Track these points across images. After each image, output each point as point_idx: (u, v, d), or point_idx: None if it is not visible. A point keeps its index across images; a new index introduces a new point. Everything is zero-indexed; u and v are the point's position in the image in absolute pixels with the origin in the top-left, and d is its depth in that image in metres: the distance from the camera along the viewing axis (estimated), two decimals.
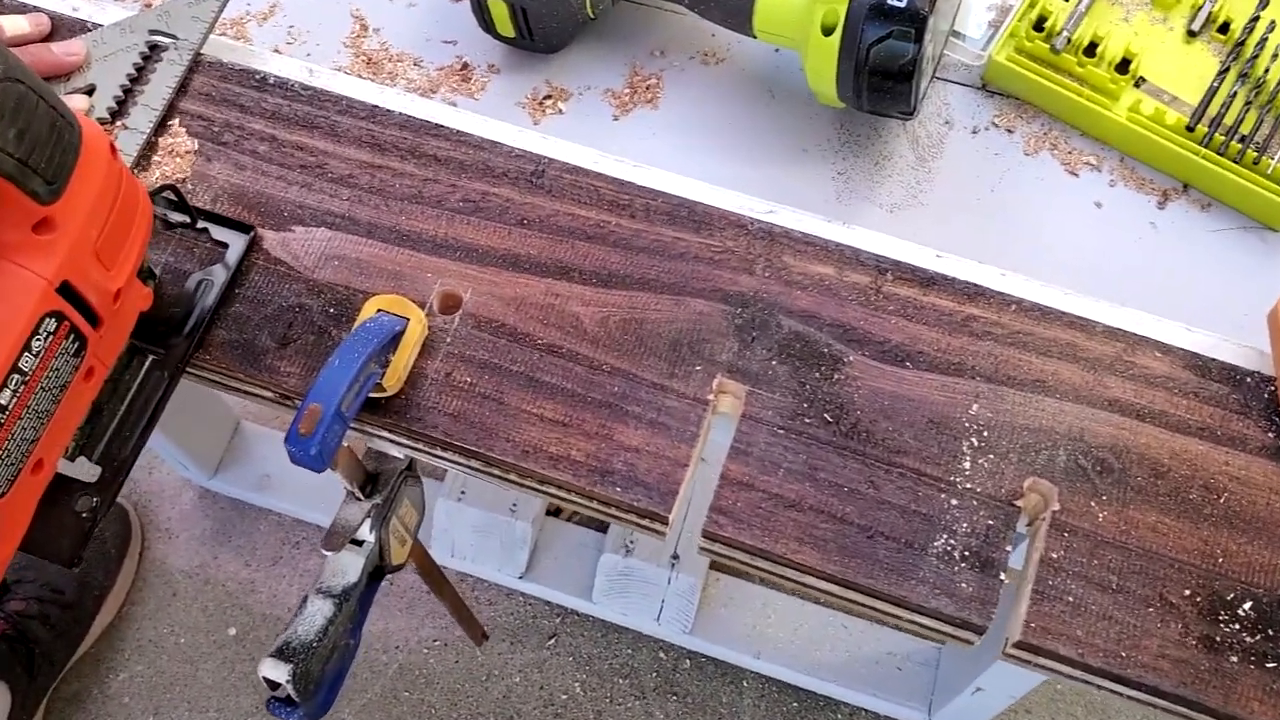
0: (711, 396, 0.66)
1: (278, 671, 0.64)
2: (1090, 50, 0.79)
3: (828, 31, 0.70)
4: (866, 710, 1.33)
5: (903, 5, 0.67)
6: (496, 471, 0.65)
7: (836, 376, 0.66)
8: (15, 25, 0.73)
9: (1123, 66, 0.79)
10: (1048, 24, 0.80)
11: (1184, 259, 0.78)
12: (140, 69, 0.73)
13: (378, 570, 0.71)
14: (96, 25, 0.76)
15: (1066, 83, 0.80)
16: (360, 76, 0.83)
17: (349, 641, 0.70)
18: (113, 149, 0.58)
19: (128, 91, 0.73)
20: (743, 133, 0.81)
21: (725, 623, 1.30)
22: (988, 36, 0.82)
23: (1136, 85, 0.80)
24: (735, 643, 1.29)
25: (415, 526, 0.75)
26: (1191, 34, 0.82)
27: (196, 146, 0.73)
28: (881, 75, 0.70)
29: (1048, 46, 0.79)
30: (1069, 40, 0.79)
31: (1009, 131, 0.81)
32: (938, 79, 0.83)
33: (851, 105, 0.75)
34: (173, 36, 0.74)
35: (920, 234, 0.73)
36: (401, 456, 0.72)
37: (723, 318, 0.68)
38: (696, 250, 0.70)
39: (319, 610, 0.67)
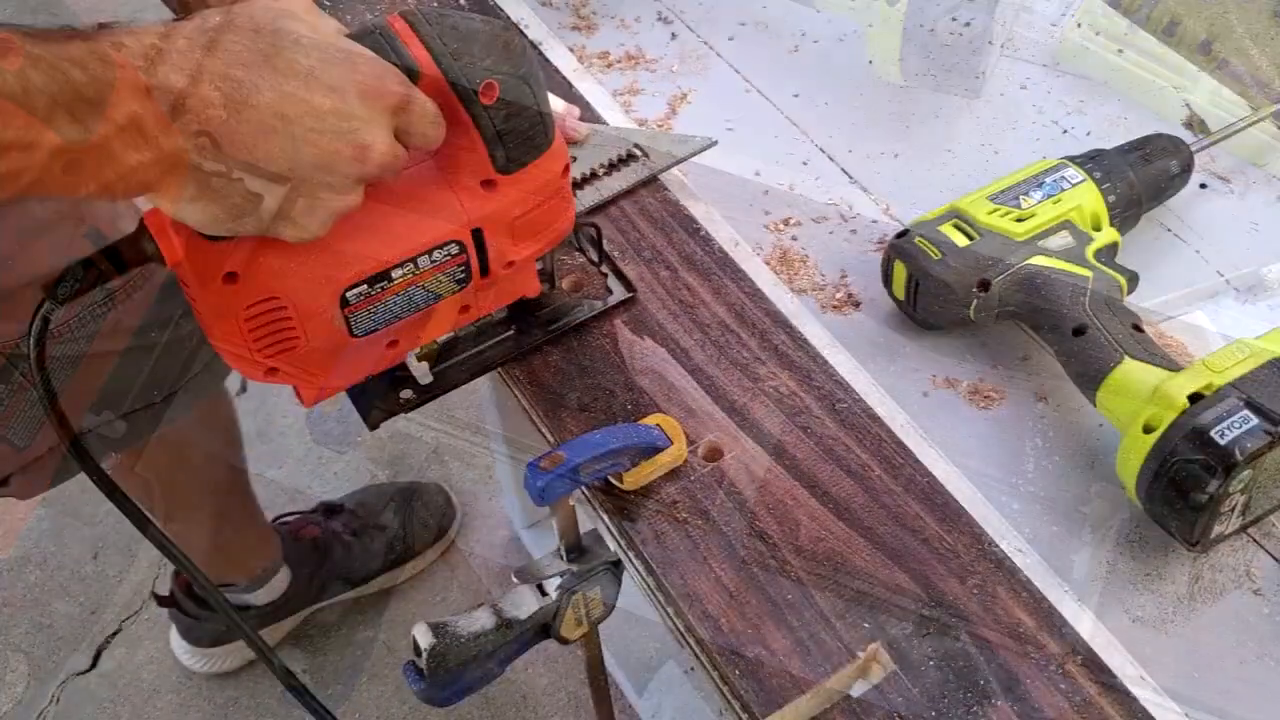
0: (861, 655, 0.70)
1: (425, 637, 0.73)
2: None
3: (1148, 430, 0.74)
4: None
5: (1221, 443, 0.70)
6: (659, 597, 0.74)
7: (975, 710, 0.68)
8: (555, 101, 0.94)
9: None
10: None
11: None
12: (613, 166, 0.92)
13: (545, 628, 0.78)
14: (605, 124, 0.97)
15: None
16: (770, 266, 0.95)
17: (492, 665, 0.77)
18: (565, 170, 0.73)
19: (594, 175, 0.91)
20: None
21: None
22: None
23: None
24: None
25: (598, 619, 0.82)
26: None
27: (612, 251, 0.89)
28: (1176, 490, 0.72)
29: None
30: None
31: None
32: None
33: (1142, 504, 0.77)
34: (646, 155, 0.92)
35: None
36: (613, 550, 0.80)
37: (913, 601, 0.72)
38: (929, 535, 0.75)
39: (481, 620, 0.75)
